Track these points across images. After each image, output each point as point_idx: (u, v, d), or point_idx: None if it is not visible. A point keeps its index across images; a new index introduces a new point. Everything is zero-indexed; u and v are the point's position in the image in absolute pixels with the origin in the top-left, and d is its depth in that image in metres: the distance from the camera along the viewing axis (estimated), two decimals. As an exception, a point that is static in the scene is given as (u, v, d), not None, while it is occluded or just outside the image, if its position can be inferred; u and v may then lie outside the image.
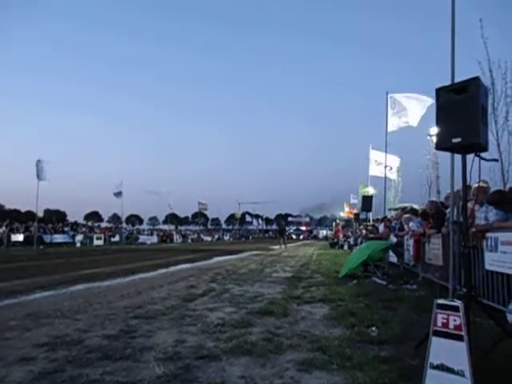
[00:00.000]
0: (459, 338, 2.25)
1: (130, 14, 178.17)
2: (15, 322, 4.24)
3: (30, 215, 44.18)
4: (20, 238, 26.39)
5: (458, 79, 4.29)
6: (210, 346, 3.38)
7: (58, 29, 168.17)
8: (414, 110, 13.20)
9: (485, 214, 4.98)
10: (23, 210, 74.57)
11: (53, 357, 3.06)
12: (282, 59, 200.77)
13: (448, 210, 6.03)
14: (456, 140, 2.85)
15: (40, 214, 43.09)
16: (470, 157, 3.03)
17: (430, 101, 12.82)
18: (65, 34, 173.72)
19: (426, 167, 15.76)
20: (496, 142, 8.45)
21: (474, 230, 4.91)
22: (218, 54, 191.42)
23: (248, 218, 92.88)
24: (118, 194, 34.42)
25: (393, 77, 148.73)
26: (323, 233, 72.80)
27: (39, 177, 23.74)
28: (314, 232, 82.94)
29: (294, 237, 71.58)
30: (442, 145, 3.06)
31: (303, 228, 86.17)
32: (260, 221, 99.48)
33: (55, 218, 53.52)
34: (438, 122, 3.01)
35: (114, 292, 6.44)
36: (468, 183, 3.06)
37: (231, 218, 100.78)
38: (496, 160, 3.17)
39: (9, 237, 25.42)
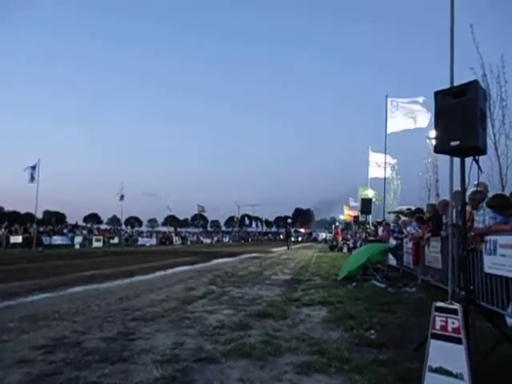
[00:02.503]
0: (458, 340, 2.25)
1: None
2: (13, 324, 4.22)
3: (29, 217, 44.10)
4: (19, 239, 26.30)
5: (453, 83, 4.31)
6: (209, 348, 3.38)
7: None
8: (417, 113, 13.40)
9: (483, 218, 4.99)
10: (22, 211, 74.73)
11: (50, 359, 3.05)
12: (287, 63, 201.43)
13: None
14: (454, 143, 2.85)
15: (39, 215, 43.09)
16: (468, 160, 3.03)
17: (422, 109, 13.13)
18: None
19: (425, 170, 15.74)
20: (494, 146, 8.49)
21: (472, 233, 4.91)
22: (216, 65, 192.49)
23: (247, 221, 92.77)
24: (121, 197, 35.04)
25: (392, 82, 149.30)
26: (322, 235, 72.52)
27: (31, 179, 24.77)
28: (314, 234, 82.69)
29: (292, 239, 71.23)
30: (440, 148, 3.06)
31: (302, 230, 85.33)
32: (259, 223, 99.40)
33: (54, 220, 53.50)
34: (437, 126, 3.01)
35: (112, 294, 6.42)
36: (466, 186, 3.06)
37: (231, 221, 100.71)
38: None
39: (8, 238, 25.36)
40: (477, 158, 3.00)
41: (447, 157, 4.44)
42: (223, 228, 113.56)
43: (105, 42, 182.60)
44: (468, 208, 4.47)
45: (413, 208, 10.57)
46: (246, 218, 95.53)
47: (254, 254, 20.44)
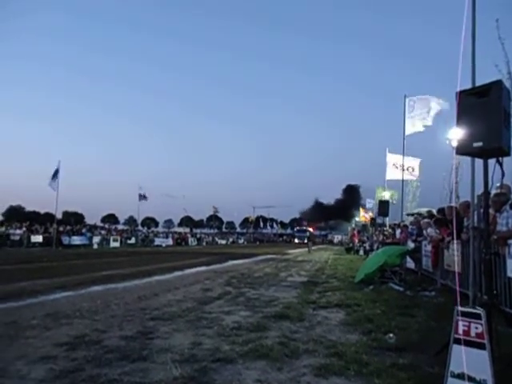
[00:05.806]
0: (481, 346, 2.20)
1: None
2: (36, 321, 4.34)
3: (49, 217, 45.16)
4: (39, 239, 27.01)
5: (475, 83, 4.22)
6: (226, 349, 3.39)
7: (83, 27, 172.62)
8: (430, 110, 13.19)
9: (506, 220, 4.87)
10: (42, 211, 76.62)
11: (73, 356, 3.12)
12: (300, 61, 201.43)
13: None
14: (477, 144, 2.80)
15: (59, 215, 43.99)
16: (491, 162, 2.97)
17: (442, 103, 12.77)
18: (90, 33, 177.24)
19: (449, 172, 15.27)
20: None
21: (495, 237, 4.79)
22: (238, 56, 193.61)
23: (262, 222, 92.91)
24: (143, 198, 35.61)
25: (411, 80, 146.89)
26: (338, 237, 71.87)
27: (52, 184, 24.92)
28: (329, 237, 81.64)
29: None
30: (463, 149, 3.00)
31: (310, 229, 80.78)
32: (275, 225, 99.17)
33: (73, 220, 54.74)
34: (459, 126, 2.96)
35: (131, 293, 6.52)
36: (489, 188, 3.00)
37: (246, 222, 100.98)
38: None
39: (29, 238, 26.10)
40: (500, 159, 2.93)
41: (468, 158, 4.36)
42: (238, 229, 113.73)
43: (102, 50, 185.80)
44: (490, 210, 4.36)
45: (433, 210, 10.36)
46: (261, 220, 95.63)
47: (269, 256, 20.43)
